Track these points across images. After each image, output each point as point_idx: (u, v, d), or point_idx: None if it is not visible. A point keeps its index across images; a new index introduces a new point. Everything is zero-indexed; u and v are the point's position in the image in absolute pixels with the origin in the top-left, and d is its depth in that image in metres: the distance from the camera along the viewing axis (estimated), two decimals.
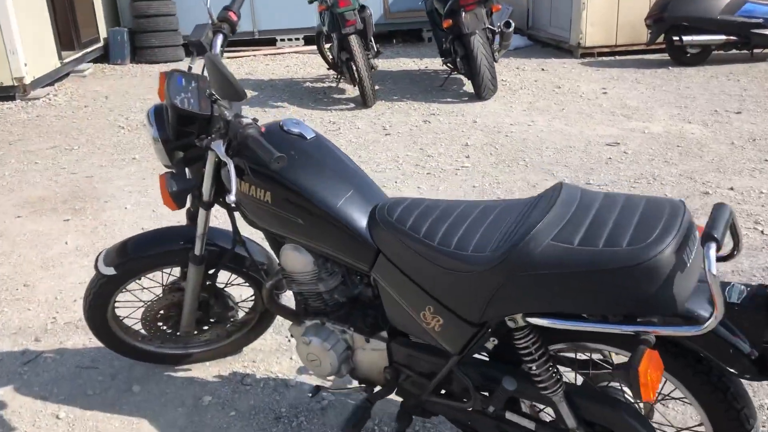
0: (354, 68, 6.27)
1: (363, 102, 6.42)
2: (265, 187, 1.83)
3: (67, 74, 8.24)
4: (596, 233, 1.46)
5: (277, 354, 2.66)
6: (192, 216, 2.21)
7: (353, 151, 5.15)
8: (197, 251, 2.17)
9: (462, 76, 7.03)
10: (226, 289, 2.45)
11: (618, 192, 1.64)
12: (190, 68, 2.09)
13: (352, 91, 7.00)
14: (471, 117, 5.97)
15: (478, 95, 6.47)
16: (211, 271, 2.31)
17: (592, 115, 5.88)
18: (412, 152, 5.10)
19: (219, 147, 1.82)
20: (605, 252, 1.42)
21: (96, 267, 2.24)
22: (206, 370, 2.59)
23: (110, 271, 2.21)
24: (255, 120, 1.85)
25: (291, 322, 2.10)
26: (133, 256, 2.23)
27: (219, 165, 2.00)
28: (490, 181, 4.44)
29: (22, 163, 5.18)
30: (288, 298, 2.31)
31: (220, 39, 2.01)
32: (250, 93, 7.20)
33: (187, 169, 2.08)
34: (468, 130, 5.58)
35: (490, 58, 6.35)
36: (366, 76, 6.25)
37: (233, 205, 1.65)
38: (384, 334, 1.91)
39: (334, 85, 7.35)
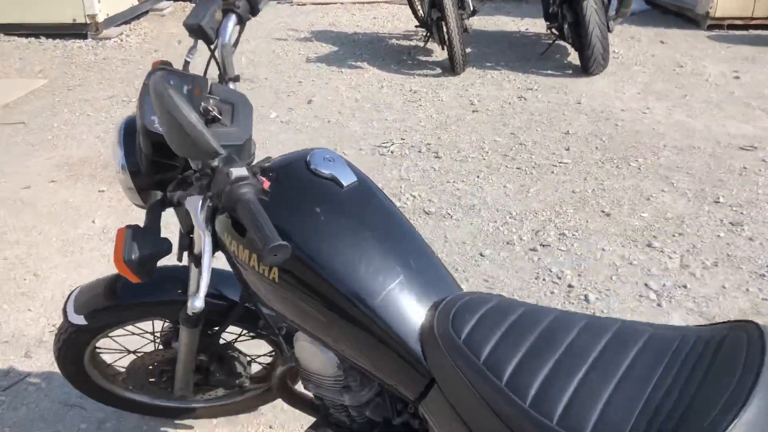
0: (444, 29, 5.52)
1: (451, 68, 5.67)
2: None
3: (146, 12, 7.83)
4: None
5: (300, 419, 2.09)
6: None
7: (431, 131, 4.45)
8: (190, 311, 1.58)
9: (568, 45, 6.14)
10: (237, 341, 1.87)
11: None
12: (187, 63, 1.43)
13: (440, 53, 6.23)
14: (574, 96, 5.13)
15: (585, 69, 5.59)
16: (212, 330, 1.73)
17: (721, 106, 4.93)
18: (501, 137, 4.36)
19: (196, 208, 1.16)
20: None
21: (64, 311, 1.69)
22: (212, 431, 2.05)
23: (80, 320, 1.65)
24: (259, 166, 1.21)
25: (309, 415, 1.52)
26: (114, 305, 1.66)
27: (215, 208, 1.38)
28: (593, 186, 3.67)
29: (74, 114, 4.77)
30: None
31: (232, 22, 1.36)
32: (329, 48, 6.54)
33: (175, 209, 1.46)
34: (570, 114, 4.76)
35: (604, 28, 5.44)
36: (457, 39, 5.47)
37: (192, 314, 1.03)
38: None
39: (421, 44, 6.59)
